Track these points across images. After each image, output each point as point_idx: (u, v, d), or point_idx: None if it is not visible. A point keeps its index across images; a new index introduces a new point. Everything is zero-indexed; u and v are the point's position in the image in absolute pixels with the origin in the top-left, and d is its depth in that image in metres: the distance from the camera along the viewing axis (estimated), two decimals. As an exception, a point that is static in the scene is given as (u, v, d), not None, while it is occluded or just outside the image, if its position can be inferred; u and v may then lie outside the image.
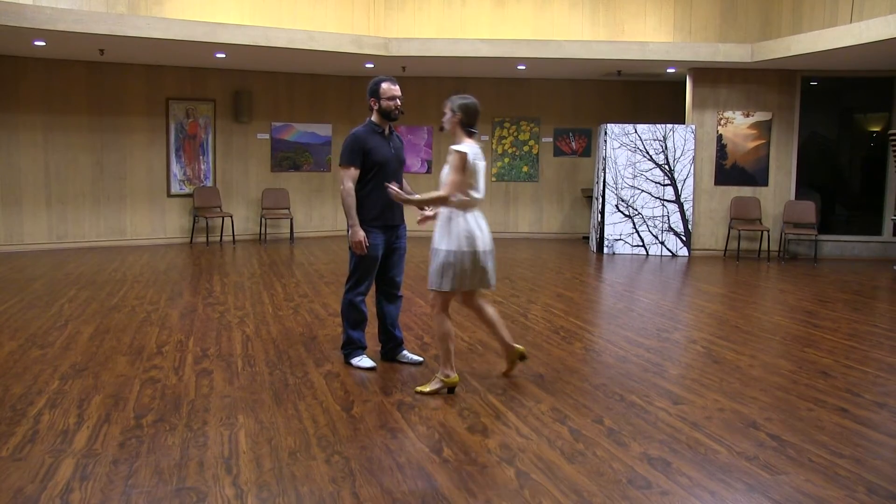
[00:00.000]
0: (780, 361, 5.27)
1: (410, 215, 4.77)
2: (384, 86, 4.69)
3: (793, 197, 10.93)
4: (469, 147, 4.24)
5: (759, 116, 10.85)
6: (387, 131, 4.79)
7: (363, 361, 4.87)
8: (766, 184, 10.93)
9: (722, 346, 5.65)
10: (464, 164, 4.19)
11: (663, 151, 10.78)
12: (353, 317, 4.87)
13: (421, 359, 5.01)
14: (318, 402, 4.22)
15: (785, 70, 10.66)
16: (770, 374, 4.95)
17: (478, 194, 4.28)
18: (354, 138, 4.72)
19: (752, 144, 10.89)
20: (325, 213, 12.53)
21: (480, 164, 4.28)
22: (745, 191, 10.94)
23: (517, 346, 4.72)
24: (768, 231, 10.73)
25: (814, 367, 5.12)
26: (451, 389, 4.38)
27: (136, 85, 11.00)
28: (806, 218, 10.65)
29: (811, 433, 3.88)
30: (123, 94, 10.92)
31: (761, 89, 10.83)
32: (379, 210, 4.72)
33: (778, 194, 10.95)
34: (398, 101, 4.69)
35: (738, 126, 10.88)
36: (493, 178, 12.82)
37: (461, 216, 4.25)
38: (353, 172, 4.67)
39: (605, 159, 10.92)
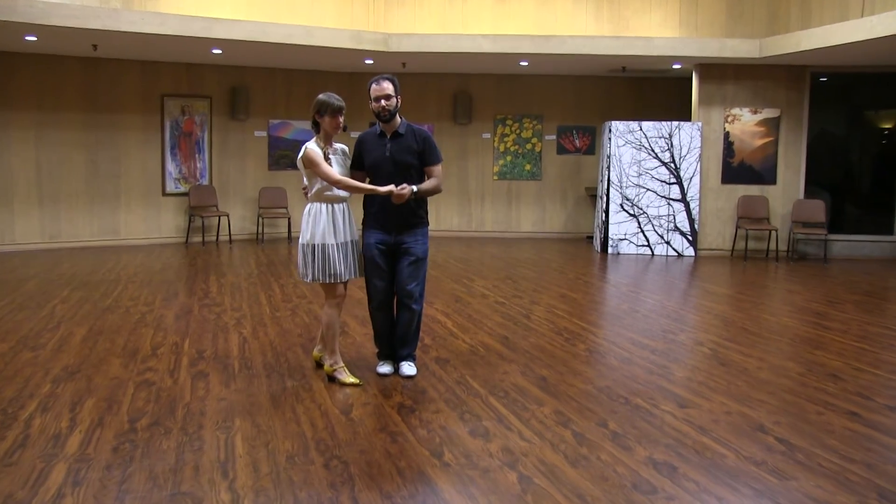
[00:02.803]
0: (788, 364, 5.27)
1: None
2: (371, 87, 4.63)
3: (801, 196, 10.92)
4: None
5: (767, 113, 10.84)
6: (389, 132, 4.67)
7: (379, 367, 4.86)
8: (774, 182, 10.92)
9: (729, 348, 5.65)
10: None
11: (669, 149, 10.78)
12: (373, 326, 4.92)
13: (412, 373, 4.79)
14: (316, 406, 4.21)
15: (794, 66, 10.65)
16: (778, 376, 4.94)
17: None
18: (356, 141, 4.80)
19: (759, 142, 10.88)
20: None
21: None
22: (753, 189, 10.93)
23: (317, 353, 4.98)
24: (776, 230, 10.72)
25: (823, 370, 5.11)
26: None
27: (130, 81, 11.00)
28: (815, 217, 10.64)
29: (821, 437, 3.87)
30: (117, 91, 10.93)
31: (769, 85, 10.82)
32: (378, 210, 4.69)
33: (786, 193, 10.93)
34: (382, 101, 4.57)
35: (746, 123, 10.87)
36: (495, 177, 12.83)
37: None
38: (357, 174, 4.71)
39: (609, 157, 10.92)
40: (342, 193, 4.56)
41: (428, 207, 4.86)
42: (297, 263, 4.62)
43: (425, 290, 4.89)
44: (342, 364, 4.67)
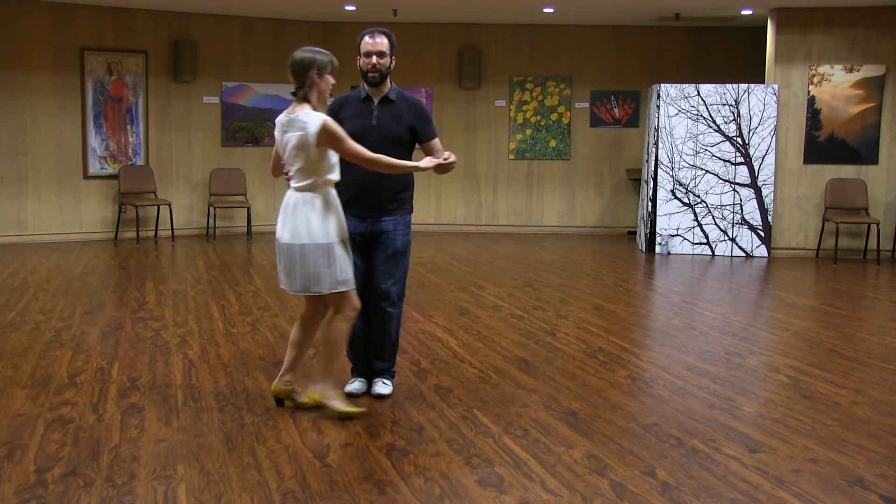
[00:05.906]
0: (895, 398, 5.27)
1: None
2: (364, 39, 4.83)
3: (908, 179, 10.93)
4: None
5: (868, 71, 10.82)
6: (376, 98, 4.85)
7: (348, 385, 5.03)
8: (875, 161, 10.90)
9: (814, 377, 5.65)
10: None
11: (735, 119, 10.78)
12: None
13: (386, 392, 4.98)
14: (282, 447, 4.23)
15: (904, 9, 10.61)
16: (881, 414, 4.94)
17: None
18: (332, 102, 4.95)
19: (856, 109, 10.88)
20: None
21: (282, 137, 4.57)
22: (847, 171, 10.92)
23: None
24: (878, 224, 10.71)
25: (935, 404, 5.12)
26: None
27: (39, 30, 10.99)
28: (924, 207, 10.65)
29: (932, 490, 3.87)
30: (22, 42, 10.91)
31: (871, 35, 10.76)
32: (352, 193, 4.81)
33: (892, 175, 10.92)
34: (374, 59, 4.75)
35: (838, 85, 10.86)
36: (512, 156, 12.83)
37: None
38: None
39: (657, 130, 10.93)
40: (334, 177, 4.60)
41: (413, 192, 5.03)
42: (282, 272, 4.60)
43: (405, 292, 5.05)
44: (336, 389, 4.76)
